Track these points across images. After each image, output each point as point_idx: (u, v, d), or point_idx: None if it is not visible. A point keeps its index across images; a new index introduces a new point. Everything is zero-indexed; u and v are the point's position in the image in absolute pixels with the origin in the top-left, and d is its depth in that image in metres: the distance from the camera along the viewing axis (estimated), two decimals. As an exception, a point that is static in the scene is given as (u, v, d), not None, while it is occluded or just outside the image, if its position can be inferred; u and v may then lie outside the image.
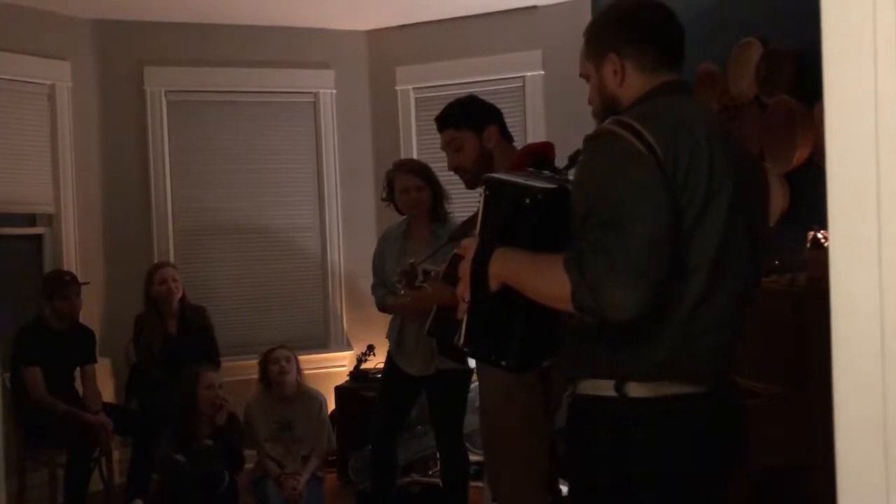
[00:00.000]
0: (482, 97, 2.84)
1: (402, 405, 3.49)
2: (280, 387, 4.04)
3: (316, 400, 4.14)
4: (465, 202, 3.47)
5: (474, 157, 2.64)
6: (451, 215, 3.42)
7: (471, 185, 2.70)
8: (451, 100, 2.82)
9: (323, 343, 5.12)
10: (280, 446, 3.98)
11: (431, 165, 3.46)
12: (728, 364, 1.59)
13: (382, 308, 3.43)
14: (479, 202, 1.66)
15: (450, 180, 3.14)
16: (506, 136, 2.72)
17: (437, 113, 2.80)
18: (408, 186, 3.34)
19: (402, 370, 3.38)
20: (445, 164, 2.75)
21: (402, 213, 3.45)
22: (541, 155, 2.39)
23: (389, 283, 3.29)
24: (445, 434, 3.44)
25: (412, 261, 2.91)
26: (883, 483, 0.69)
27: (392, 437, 3.48)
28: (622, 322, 1.38)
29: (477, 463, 3.79)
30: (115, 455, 4.24)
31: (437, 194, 3.37)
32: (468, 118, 2.68)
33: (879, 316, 0.70)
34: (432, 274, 2.79)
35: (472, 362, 3.00)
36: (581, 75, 1.71)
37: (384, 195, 3.48)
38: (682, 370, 1.50)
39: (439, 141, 2.77)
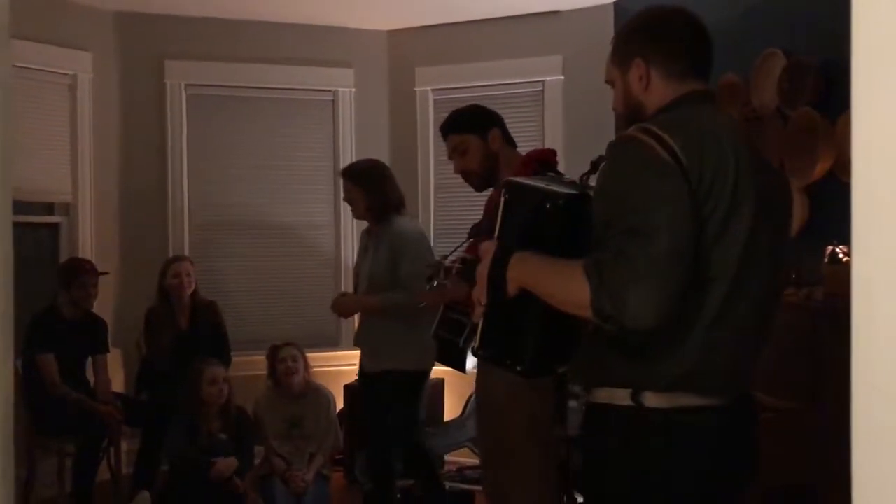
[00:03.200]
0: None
1: (372, 404, 3.50)
2: (288, 385, 4.05)
3: (325, 397, 4.15)
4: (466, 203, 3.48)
5: (480, 159, 2.70)
6: (401, 217, 3.48)
7: (479, 187, 2.75)
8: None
9: (334, 341, 5.12)
10: (289, 444, 3.98)
11: (447, 167, 3.47)
12: (748, 377, 1.57)
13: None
14: (499, 206, 1.65)
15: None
16: (508, 141, 2.76)
17: None
18: (343, 188, 3.59)
19: (363, 369, 3.52)
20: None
21: None
22: (543, 161, 2.40)
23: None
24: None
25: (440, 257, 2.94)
26: (901, 504, 0.67)
27: (380, 440, 3.48)
28: (641, 331, 1.37)
29: (472, 468, 3.78)
30: (124, 446, 4.26)
31: (373, 196, 3.46)
32: (471, 122, 2.75)
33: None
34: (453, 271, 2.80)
35: (469, 364, 3.01)
36: (607, 81, 1.70)
37: None
38: (701, 381, 1.48)
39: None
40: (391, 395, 3.39)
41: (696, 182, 1.41)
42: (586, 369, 1.59)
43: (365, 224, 3.65)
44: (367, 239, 3.59)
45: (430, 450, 3.56)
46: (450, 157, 2.82)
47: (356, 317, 4.33)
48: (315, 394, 4.13)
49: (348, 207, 5.05)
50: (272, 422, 4.02)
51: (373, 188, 3.46)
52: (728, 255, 1.45)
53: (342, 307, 3.61)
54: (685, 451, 1.49)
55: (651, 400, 1.48)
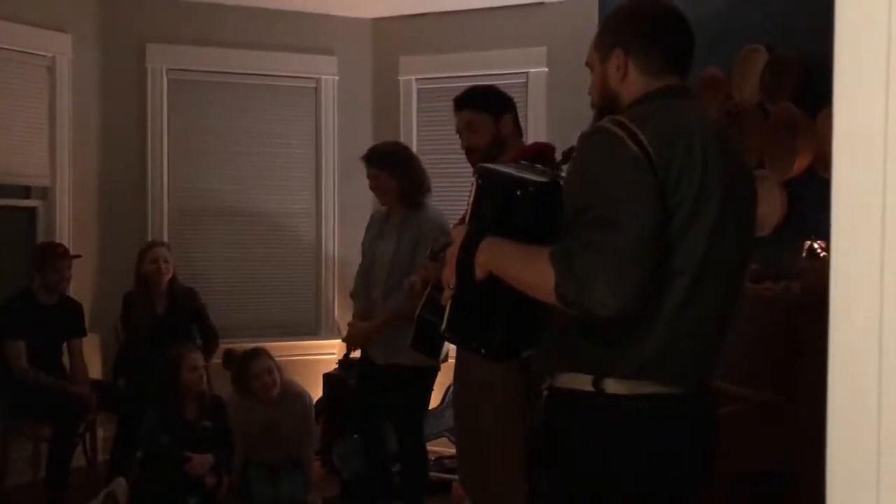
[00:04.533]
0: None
1: (372, 393, 3.47)
2: (265, 397, 3.85)
3: (299, 401, 3.98)
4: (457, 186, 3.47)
5: (488, 140, 2.70)
6: (427, 204, 3.39)
7: None
8: (458, 89, 2.88)
9: (313, 330, 5.11)
10: (265, 442, 3.90)
11: (430, 157, 3.47)
12: (709, 368, 1.61)
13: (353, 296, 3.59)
14: (471, 190, 1.66)
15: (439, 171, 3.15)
16: (518, 131, 2.78)
17: (438, 103, 2.85)
18: (369, 175, 3.42)
19: (370, 358, 3.43)
20: (444, 156, 2.80)
21: None
22: (541, 154, 2.41)
23: (365, 263, 3.46)
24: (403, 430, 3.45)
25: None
26: (874, 495, 0.68)
27: (377, 426, 3.49)
28: (605, 318, 1.40)
29: (448, 457, 3.80)
30: (100, 432, 4.23)
31: (407, 181, 3.34)
32: (488, 102, 2.75)
33: (878, 328, 0.69)
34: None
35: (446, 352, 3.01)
36: (586, 63, 1.72)
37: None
38: (663, 371, 1.51)
39: (453, 125, 2.82)
40: (407, 387, 3.35)
41: (663, 175, 1.43)
42: (551, 354, 1.62)
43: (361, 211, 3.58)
44: (384, 225, 3.45)
45: (423, 442, 3.55)
46: (458, 132, 2.81)
47: (336, 307, 4.34)
48: (290, 397, 3.93)
49: (330, 194, 5.12)
50: (246, 427, 3.85)
51: (405, 173, 3.34)
52: (694, 247, 1.48)
53: (357, 339, 3.43)
54: (645, 437, 1.52)
55: (612, 386, 1.51)
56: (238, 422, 3.90)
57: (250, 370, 3.85)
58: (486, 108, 2.73)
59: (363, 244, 3.58)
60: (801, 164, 2.86)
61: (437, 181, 3.59)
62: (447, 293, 1.65)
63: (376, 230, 3.50)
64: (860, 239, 0.72)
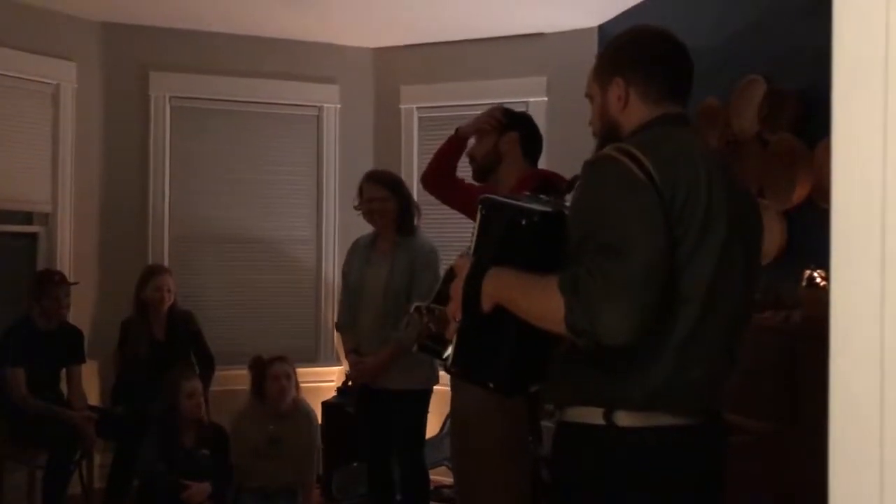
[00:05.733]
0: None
1: (378, 419, 3.46)
2: (277, 403, 3.88)
3: (308, 419, 4.00)
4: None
5: (484, 152, 2.74)
6: (419, 231, 3.46)
7: (475, 175, 2.80)
8: (459, 118, 2.94)
9: (313, 357, 5.09)
10: (266, 461, 3.88)
11: None
12: (718, 396, 1.58)
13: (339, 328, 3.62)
14: (476, 222, 1.66)
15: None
16: (526, 152, 2.75)
17: (438, 132, 2.90)
18: (373, 196, 3.40)
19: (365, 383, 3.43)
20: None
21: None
22: (546, 182, 2.40)
23: (351, 290, 3.47)
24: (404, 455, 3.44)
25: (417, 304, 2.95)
26: (876, 526, 0.68)
27: (382, 453, 3.46)
28: (614, 347, 1.38)
29: (447, 486, 3.76)
30: (97, 459, 4.20)
31: (405, 207, 3.39)
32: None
33: (879, 357, 0.69)
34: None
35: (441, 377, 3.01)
36: (586, 95, 1.72)
37: (356, 203, 3.50)
38: (673, 401, 1.49)
39: None
40: (404, 413, 3.37)
41: (669, 202, 1.43)
42: (559, 387, 1.60)
43: (345, 236, 3.61)
44: (371, 251, 3.46)
45: (427, 468, 3.53)
46: None
47: (335, 334, 4.32)
48: (300, 414, 3.95)
49: (331, 222, 5.12)
50: (252, 437, 3.86)
51: (404, 196, 3.43)
52: (700, 275, 1.47)
53: (366, 375, 3.40)
54: (657, 470, 1.50)
55: (624, 419, 1.49)
56: (245, 433, 3.87)
57: (270, 371, 3.88)
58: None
59: (347, 272, 3.56)
60: (799, 194, 2.87)
61: (436, 209, 3.63)
62: (453, 326, 1.62)
63: (363, 256, 3.48)
64: (860, 268, 0.72)
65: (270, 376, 3.88)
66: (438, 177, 2.95)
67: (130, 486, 3.96)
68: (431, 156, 3.03)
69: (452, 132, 2.93)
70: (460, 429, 2.77)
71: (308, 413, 4.04)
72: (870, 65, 0.72)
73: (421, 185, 3.13)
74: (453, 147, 2.91)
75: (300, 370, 4.80)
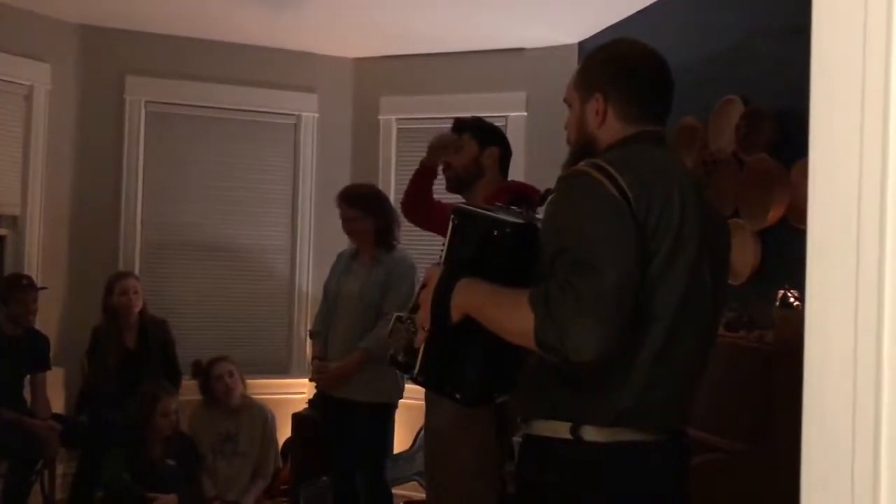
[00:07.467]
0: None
1: (341, 430, 3.43)
2: (226, 402, 4.04)
3: (261, 414, 4.11)
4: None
5: (466, 164, 2.74)
6: (399, 247, 3.48)
7: (450, 185, 2.80)
8: (437, 130, 2.95)
9: (285, 368, 5.04)
10: (224, 460, 3.91)
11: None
12: (685, 415, 1.59)
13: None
14: (447, 232, 1.65)
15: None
16: (502, 168, 2.79)
17: (417, 144, 2.89)
18: (345, 217, 3.46)
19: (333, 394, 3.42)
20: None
21: None
22: (520, 194, 2.41)
23: (328, 298, 3.50)
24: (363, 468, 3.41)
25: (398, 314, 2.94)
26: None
27: (346, 465, 3.43)
28: (583, 363, 1.37)
29: (420, 502, 3.74)
30: (60, 469, 4.11)
31: (382, 222, 3.41)
32: (478, 129, 2.80)
33: (852, 377, 0.69)
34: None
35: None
36: (564, 100, 1.71)
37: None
38: (641, 418, 1.49)
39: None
40: (364, 425, 3.35)
41: (642, 220, 1.43)
42: (526, 400, 1.59)
43: (330, 247, 3.61)
44: (352, 262, 3.50)
45: (388, 483, 3.50)
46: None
47: (308, 345, 4.29)
48: (251, 409, 4.10)
49: (306, 232, 5.09)
50: (206, 436, 3.97)
51: (381, 214, 3.43)
52: (671, 293, 1.47)
53: (328, 382, 3.41)
54: (623, 486, 1.50)
55: (591, 434, 1.48)
56: (199, 434, 3.99)
57: (213, 372, 4.06)
58: (472, 133, 2.78)
59: (327, 283, 3.60)
60: (775, 214, 2.89)
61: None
62: (421, 335, 1.61)
63: (343, 267, 3.53)
64: (834, 288, 0.71)
65: (214, 376, 4.04)
66: (416, 205, 2.96)
67: (94, 498, 3.87)
68: (409, 177, 3.02)
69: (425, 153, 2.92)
70: (434, 443, 2.75)
71: (261, 407, 4.15)
72: (847, 86, 0.71)
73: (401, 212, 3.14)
74: (425, 176, 2.90)
75: (271, 382, 4.78)
